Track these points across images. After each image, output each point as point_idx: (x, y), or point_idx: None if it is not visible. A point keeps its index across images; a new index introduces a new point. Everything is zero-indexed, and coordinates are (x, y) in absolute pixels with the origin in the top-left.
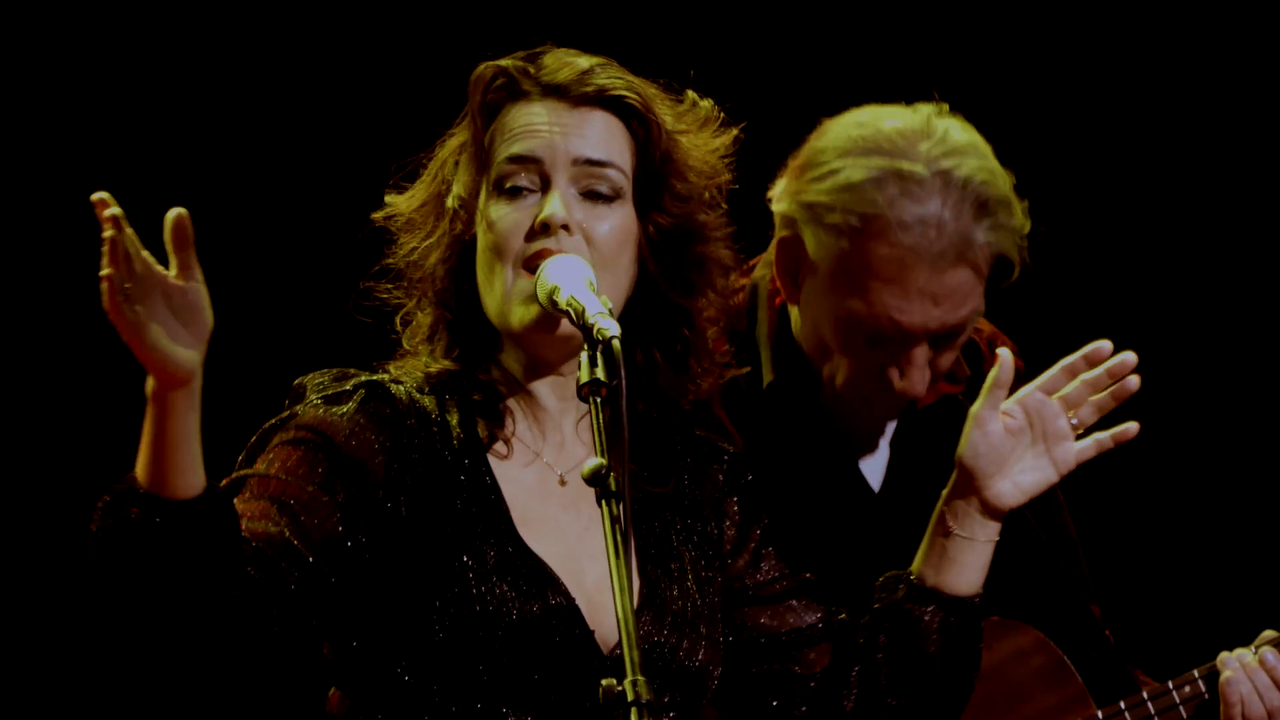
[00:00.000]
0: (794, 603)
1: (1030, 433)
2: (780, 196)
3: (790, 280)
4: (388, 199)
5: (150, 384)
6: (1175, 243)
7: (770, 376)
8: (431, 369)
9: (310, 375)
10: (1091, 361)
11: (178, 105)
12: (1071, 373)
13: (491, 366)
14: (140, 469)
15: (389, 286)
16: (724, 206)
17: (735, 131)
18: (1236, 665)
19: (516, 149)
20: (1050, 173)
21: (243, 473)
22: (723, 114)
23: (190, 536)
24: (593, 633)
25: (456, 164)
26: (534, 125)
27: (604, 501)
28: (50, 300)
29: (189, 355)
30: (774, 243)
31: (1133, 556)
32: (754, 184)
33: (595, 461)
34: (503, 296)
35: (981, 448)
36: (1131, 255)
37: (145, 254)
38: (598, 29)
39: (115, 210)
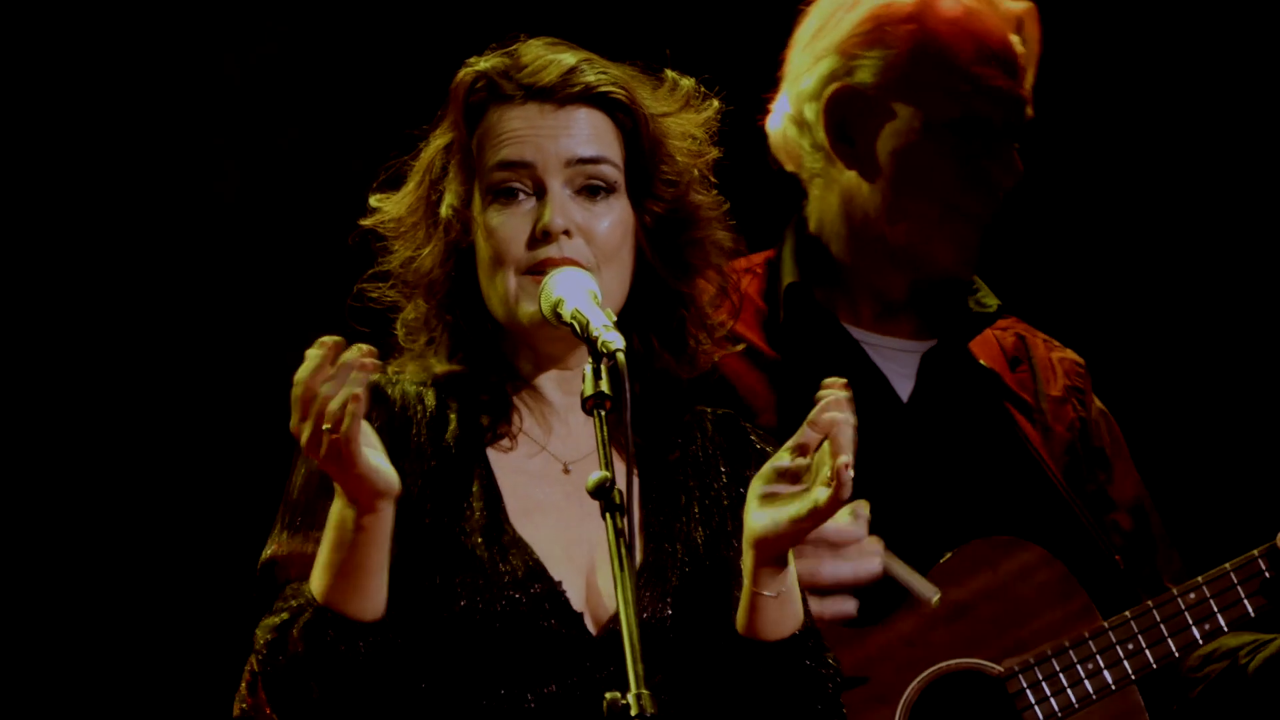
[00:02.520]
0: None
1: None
2: (809, 68)
3: (845, 141)
4: (374, 202)
5: (349, 514)
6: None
7: (793, 278)
8: (438, 370)
9: None
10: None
11: (165, 107)
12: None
13: (496, 365)
14: (323, 590)
15: (380, 286)
16: (714, 181)
17: (717, 103)
18: None
19: (507, 154)
20: (1049, 170)
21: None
22: (703, 89)
23: (379, 658)
24: (581, 614)
25: (444, 169)
26: (521, 130)
27: (608, 515)
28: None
29: (391, 468)
30: (819, 115)
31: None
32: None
33: (599, 475)
34: (509, 302)
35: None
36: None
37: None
38: (572, 9)
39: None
